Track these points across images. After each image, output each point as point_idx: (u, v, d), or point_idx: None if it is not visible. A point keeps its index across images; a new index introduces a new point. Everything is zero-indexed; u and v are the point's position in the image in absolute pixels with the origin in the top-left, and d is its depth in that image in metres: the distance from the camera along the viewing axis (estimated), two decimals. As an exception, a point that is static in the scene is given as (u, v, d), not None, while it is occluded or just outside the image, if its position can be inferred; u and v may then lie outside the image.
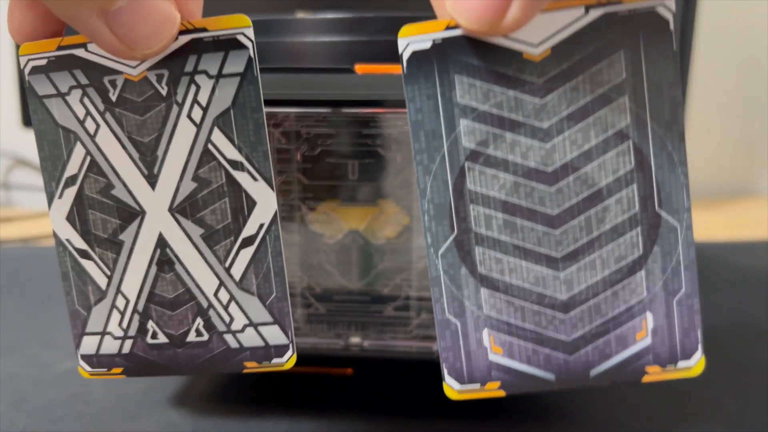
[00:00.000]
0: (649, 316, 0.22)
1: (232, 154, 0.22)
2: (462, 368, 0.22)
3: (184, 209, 0.23)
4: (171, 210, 0.23)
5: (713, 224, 0.70)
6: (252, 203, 0.22)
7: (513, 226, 0.21)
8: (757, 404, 0.32)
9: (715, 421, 0.30)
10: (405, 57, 0.21)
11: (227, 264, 0.23)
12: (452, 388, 0.22)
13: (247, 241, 0.23)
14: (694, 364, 0.22)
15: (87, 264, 0.24)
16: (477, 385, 0.22)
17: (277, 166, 0.30)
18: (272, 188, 0.22)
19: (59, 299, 0.48)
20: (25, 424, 0.31)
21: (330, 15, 0.32)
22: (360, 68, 0.27)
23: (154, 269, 0.23)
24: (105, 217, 0.23)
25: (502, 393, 0.22)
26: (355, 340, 0.31)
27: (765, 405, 0.32)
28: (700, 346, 0.22)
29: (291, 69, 0.28)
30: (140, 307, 0.23)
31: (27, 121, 0.60)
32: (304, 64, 0.31)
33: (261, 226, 0.22)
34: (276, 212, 0.22)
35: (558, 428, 0.30)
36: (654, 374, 0.22)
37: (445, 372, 0.22)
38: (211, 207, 0.23)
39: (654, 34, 0.20)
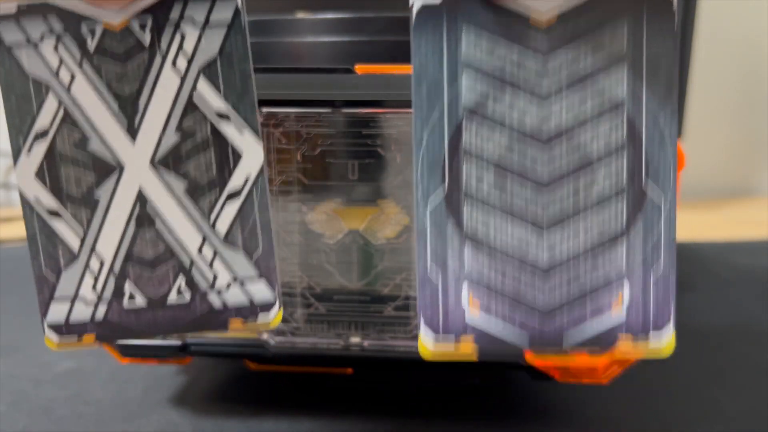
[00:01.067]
0: (626, 288, 0.22)
1: (218, 104, 0.21)
2: (438, 323, 0.22)
3: (166, 162, 0.22)
4: (152, 163, 0.22)
5: (713, 224, 0.70)
6: (237, 156, 0.22)
7: (503, 187, 0.22)
8: (757, 404, 0.32)
9: (715, 421, 0.30)
10: (414, 10, 0.21)
11: (212, 219, 0.22)
12: (426, 347, 0.22)
13: (233, 195, 0.22)
14: (665, 340, 0.22)
15: (57, 224, 0.22)
16: (452, 339, 0.22)
17: (277, 167, 0.30)
18: (258, 140, 0.21)
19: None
20: (25, 424, 0.31)
21: (330, 15, 0.32)
22: (360, 68, 0.27)
23: (132, 227, 0.22)
24: (79, 172, 0.22)
25: (474, 357, 0.22)
26: (355, 340, 0.31)
27: (765, 405, 0.32)
28: (672, 320, 0.22)
29: (291, 69, 0.28)
30: (117, 268, 0.22)
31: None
32: (304, 64, 0.31)
33: (247, 179, 0.22)
34: (263, 165, 0.22)
35: (557, 428, 0.30)
36: (625, 346, 0.22)
37: (421, 325, 0.22)
38: (195, 160, 0.22)
39: (657, 12, 0.21)
